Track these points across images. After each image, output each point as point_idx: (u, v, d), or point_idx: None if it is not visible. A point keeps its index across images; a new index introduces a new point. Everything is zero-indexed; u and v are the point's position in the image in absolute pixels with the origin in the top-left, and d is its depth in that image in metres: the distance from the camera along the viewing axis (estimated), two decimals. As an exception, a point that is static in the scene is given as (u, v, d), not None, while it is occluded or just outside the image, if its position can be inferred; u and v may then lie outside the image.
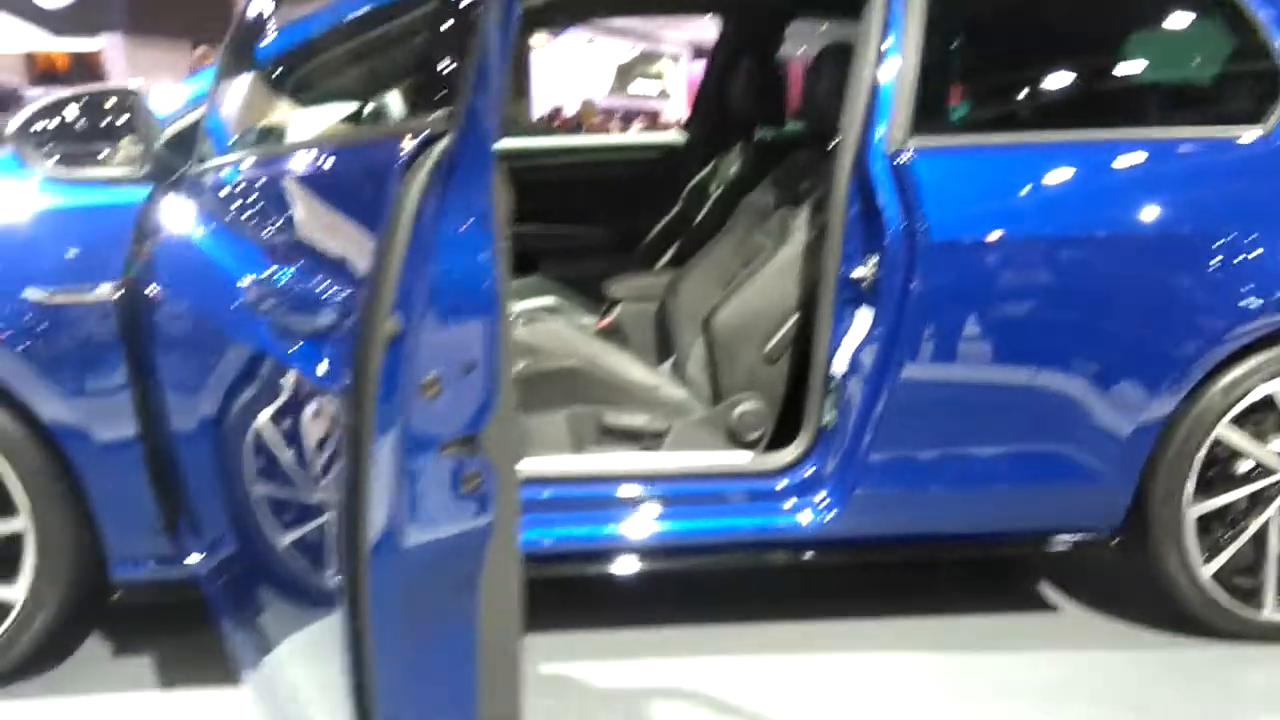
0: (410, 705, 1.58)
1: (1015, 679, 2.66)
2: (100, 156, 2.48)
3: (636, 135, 8.62)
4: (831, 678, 2.65)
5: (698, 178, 4.11)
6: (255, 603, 2.18)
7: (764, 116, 3.81)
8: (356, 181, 1.74)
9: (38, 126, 2.45)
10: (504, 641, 1.72)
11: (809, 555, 2.77)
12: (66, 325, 2.40)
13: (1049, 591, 3.12)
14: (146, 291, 2.35)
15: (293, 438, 1.78)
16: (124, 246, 2.42)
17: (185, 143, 2.53)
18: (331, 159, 1.92)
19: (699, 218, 3.90)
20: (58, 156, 2.45)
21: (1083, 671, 2.70)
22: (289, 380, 1.76)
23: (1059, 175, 2.64)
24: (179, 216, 2.40)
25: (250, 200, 2.16)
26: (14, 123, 2.45)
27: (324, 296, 1.64)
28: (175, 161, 2.50)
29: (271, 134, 2.57)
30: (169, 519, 2.51)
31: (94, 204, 2.48)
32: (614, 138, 8.29)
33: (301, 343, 1.71)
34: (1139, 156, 2.66)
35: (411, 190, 1.47)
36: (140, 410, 2.43)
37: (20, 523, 2.47)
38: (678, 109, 22.24)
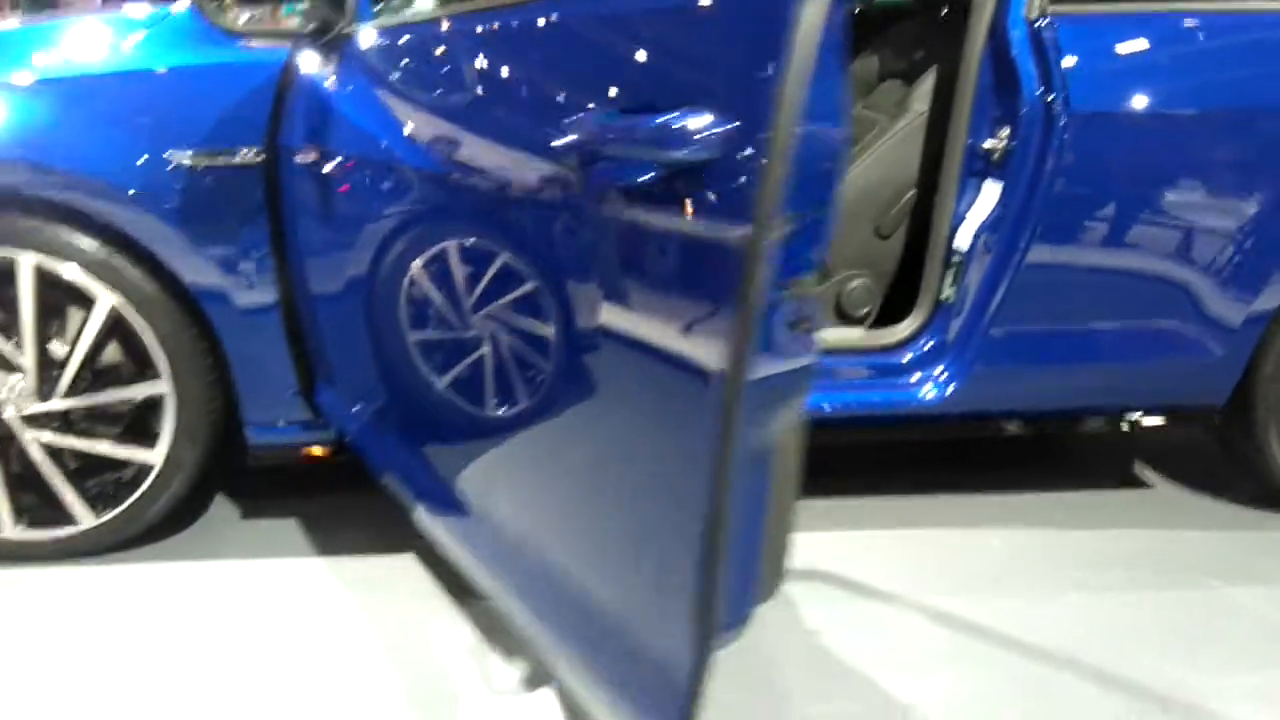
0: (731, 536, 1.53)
1: (1105, 551, 2.68)
2: (272, 11, 2.43)
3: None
4: (921, 552, 2.67)
5: None
6: (453, 447, 2.18)
7: None
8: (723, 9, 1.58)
9: None
10: (786, 489, 1.70)
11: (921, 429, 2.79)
12: (212, 186, 2.36)
13: (1142, 470, 3.15)
14: (303, 155, 2.31)
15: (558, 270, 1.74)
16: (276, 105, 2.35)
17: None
18: None
19: None
20: (234, 10, 2.39)
21: (1175, 545, 2.72)
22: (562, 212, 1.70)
23: (1206, 47, 2.58)
24: (357, 72, 2.31)
25: (518, 45, 1.98)
26: None
27: (672, 132, 1.48)
28: (336, 17, 2.38)
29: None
30: (305, 384, 2.54)
31: (255, 60, 2.39)
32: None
33: (645, 184, 1.56)
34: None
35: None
36: (280, 273, 2.42)
37: (161, 386, 2.48)
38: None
